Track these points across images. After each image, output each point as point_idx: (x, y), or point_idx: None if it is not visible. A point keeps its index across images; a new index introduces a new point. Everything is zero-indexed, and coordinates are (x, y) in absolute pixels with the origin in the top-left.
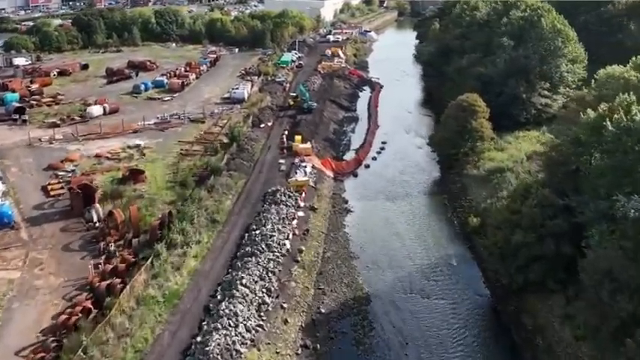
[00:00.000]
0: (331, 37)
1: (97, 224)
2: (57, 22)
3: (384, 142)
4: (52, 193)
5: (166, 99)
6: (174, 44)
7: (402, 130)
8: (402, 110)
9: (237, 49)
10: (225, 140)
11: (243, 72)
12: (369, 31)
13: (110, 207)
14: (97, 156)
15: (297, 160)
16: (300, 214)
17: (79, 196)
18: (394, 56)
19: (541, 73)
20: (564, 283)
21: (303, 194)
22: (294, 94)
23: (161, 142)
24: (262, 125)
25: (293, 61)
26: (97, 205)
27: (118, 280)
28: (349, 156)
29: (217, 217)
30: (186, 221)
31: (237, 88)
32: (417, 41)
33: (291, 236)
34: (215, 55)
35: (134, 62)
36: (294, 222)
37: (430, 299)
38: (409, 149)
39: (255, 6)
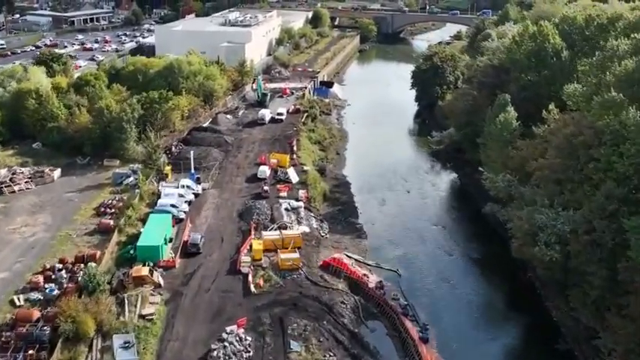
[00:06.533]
0: (267, 114)
1: None
2: None
3: None
4: None
5: None
6: None
7: None
8: None
9: (57, 172)
10: None
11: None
12: (330, 85)
13: None
14: None
15: None
16: None
17: None
18: (388, 153)
19: None
20: None
21: None
22: None
23: None
24: None
25: (180, 219)
26: None
27: None
28: None
29: None
30: None
31: None
32: (417, 106)
33: None
34: None
35: None
36: None
37: None
38: None
39: (149, 30)
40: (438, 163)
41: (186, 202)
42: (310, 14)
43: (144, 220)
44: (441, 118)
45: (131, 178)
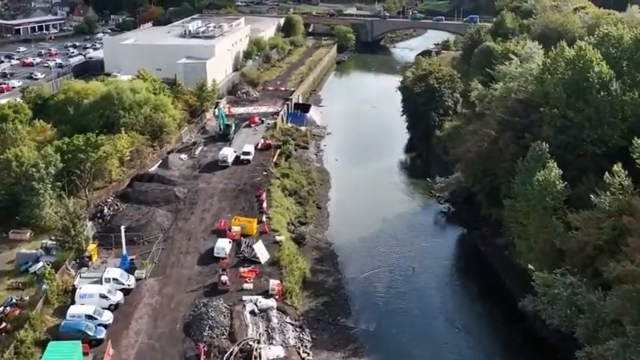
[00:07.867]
0: (230, 154)
1: None
2: None
3: None
4: None
5: None
6: None
7: None
8: None
9: None
10: None
11: None
12: (307, 109)
13: None
14: None
15: None
16: None
17: None
18: (381, 204)
19: None
20: None
21: None
22: None
23: None
24: None
25: (99, 340)
26: None
27: None
28: None
29: None
30: None
31: None
32: (410, 132)
33: None
34: None
35: None
36: None
37: None
38: None
39: (99, 40)
40: (444, 217)
41: (110, 306)
42: (282, 21)
43: (46, 343)
44: (440, 151)
45: (40, 264)
